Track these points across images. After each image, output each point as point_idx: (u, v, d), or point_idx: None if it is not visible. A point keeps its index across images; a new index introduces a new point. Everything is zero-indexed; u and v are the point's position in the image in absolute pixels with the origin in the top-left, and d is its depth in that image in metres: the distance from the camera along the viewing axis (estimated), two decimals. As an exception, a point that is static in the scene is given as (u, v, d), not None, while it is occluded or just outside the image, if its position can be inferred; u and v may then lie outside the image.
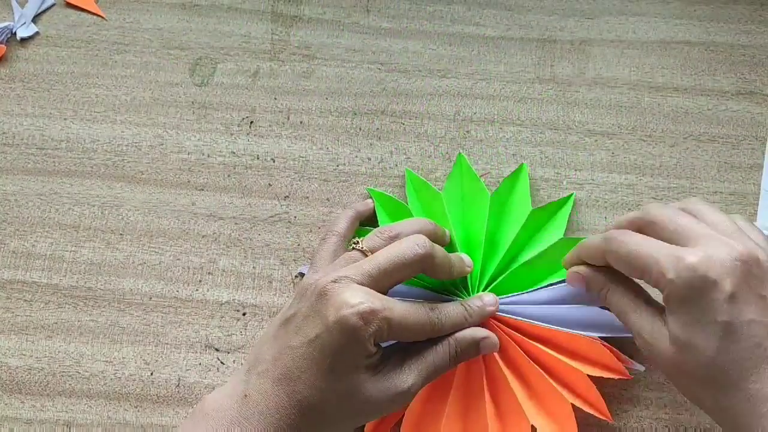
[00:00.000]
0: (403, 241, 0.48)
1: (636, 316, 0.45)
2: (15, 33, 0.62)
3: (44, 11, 0.62)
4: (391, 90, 0.60)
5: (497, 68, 0.61)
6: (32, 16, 0.62)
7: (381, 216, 0.57)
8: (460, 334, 0.49)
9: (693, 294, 0.41)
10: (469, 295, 0.54)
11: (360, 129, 0.60)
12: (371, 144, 0.59)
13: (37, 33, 0.62)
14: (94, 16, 0.62)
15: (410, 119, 0.60)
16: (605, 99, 0.60)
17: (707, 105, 0.60)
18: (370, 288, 0.45)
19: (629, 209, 0.58)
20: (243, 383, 0.45)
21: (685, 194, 0.58)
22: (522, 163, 0.57)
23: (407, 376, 0.46)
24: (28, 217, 0.58)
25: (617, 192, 0.58)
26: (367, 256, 0.48)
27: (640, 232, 0.45)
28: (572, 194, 0.57)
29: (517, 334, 0.53)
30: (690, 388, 0.43)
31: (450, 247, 0.55)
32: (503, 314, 0.53)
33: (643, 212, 0.46)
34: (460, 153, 0.58)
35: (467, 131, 0.59)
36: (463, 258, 0.52)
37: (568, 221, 0.56)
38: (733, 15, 0.61)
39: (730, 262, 0.41)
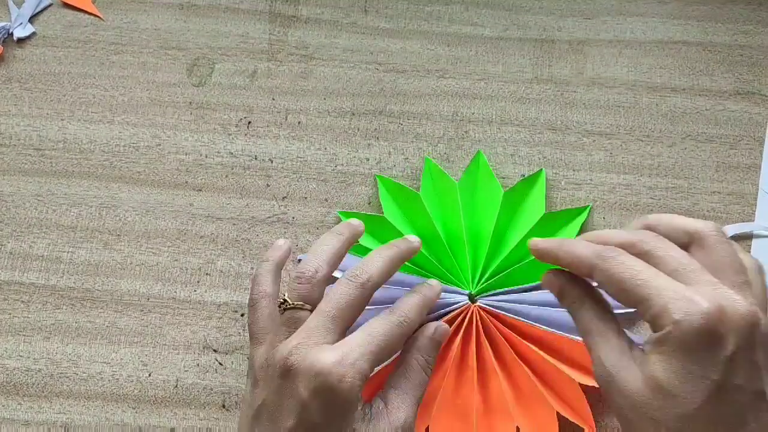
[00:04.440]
0: (340, 282, 0.45)
1: (603, 342, 0.41)
2: (12, 33, 0.61)
3: (41, 11, 0.62)
4: (389, 90, 0.60)
5: (495, 68, 0.61)
6: (29, 17, 0.62)
7: (388, 204, 0.57)
8: (418, 343, 0.47)
9: (696, 343, 0.37)
10: (468, 286, 0.54)
11: (358, 129, 0.60)
12: (369, 144, 0.59)
13: (34, 33, 0.62)
14: (91, 17, 0.62)
15: (408, 119, 0.60)
16: (603, 99, 0.60)
17: (705, 105, 0.60)
18: (329, 341, 0.43)
19: (627, 210, 0.58)
20: None
21: (684, 194, 0.58)
22: (541, 169, 0.57)
23: (398, 412, 0.44)
24: (25, 218, 0.58)
25: (615, 192, 0.58)
26: (303, 309, 0.45)
27: None
28: (588, 205, 0.57)
29: (511, 332, 0.53)
30: (645, 429, 0.39)
31: (457, 238, 0.55)
32: (500, 311, 0.53)
33: (638, 238, 0.41)
34: (479, 150, 0.58)
35: (465, 131, 0.59)
36: (408, 240, 0.49)
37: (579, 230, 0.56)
38: (731, 15, 0.61)
39: (738, 320, 0.37)
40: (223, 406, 0.55)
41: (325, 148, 0.59)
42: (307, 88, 0.60)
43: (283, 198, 0.58)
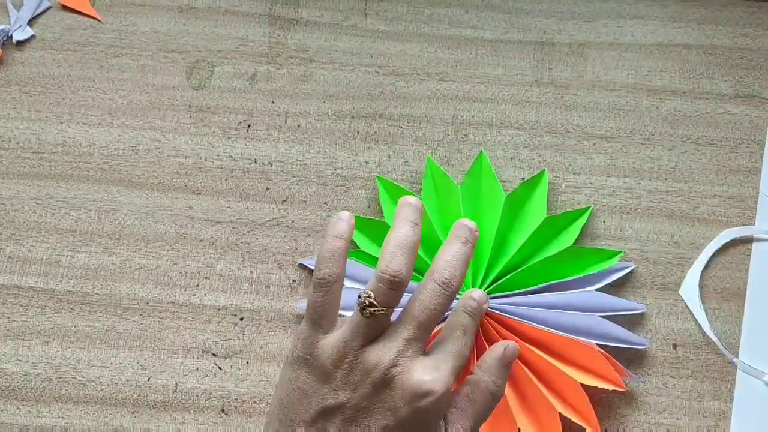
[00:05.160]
0: (426, 285, 0.44)
1: None
2: (11, 36, 0.61)
3: (40, 14, 0.62)
4: (388, 93, 0.60)
5: (495, 71, 0.61)
6: (28, 19, 0.62)
7: (388, 207, 0.57)
8: (487, 365, 0.46)
9: None
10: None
11: (357, 132, 0.60)
12: (369, 147, 0.59)
13: (33, 36, 0.62)
14: (91, 19, 0.62)
15: (408, 123, 0.60)
16: (603, 102, 0.60)
17: (705, 108, 0.59)
18: (422, 352, 0.43)
19: (628, 213, 0.57)
20: None
21: (684, 198, 0.58)
22: (543, 170, 0.57)
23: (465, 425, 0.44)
24: (23, 222, 0.58)
25: (615, 195, 0.58)
26: (387, 313, 0.43)
27: None
28: (590, 207, 0.57)
29: (511, 335, 0.53)
30: None
31: None
32: (501, 313, 0.53)
33: None
34: (482, 150, 0.57)
35: (465, 135, 0.59)
36: (471, 228, 0.46)
37: (581, 232, 0.56)
38: (731, 18, 0.61)
39: None
40: (222, 411, 0.55)
41: (325, 152, 0.59)
42: (306, 91, 0.60)
43: (283, 201, 0.58)
